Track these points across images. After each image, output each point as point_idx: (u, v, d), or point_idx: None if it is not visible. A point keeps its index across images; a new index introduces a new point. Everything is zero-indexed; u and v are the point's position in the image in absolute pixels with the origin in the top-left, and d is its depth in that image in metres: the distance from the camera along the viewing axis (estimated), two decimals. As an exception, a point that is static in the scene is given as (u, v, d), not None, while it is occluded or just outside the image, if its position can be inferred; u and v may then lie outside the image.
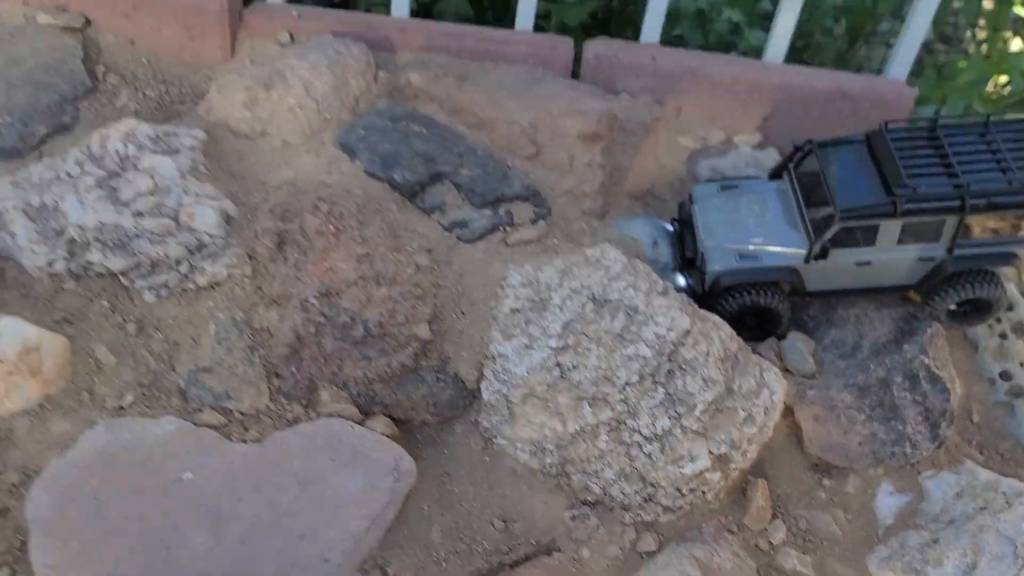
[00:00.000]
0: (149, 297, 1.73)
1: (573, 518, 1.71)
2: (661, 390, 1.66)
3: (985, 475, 1.86)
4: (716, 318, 1.76)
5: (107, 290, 1.73)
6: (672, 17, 2.46)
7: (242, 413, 1.64)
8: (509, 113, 2.02)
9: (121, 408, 1.60)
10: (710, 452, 1.65)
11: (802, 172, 1.91)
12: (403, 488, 1.62)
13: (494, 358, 1.72)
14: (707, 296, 1.88)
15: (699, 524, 1.74)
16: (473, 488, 1.73)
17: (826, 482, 1.88)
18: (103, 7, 2.19)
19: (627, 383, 1.66)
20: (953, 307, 1.93)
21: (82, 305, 1.71)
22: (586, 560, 1.67)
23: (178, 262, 1.71)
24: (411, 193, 1.88)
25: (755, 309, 1.87)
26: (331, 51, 2.05)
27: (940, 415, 1.90)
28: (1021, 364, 2.10)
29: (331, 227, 1.70)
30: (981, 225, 1.86)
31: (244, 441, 1.59)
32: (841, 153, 1.86)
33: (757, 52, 2.45)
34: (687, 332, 1.69)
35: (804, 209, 1.85)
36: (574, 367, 1.68)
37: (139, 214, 1.71)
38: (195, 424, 1.58)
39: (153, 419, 1.57)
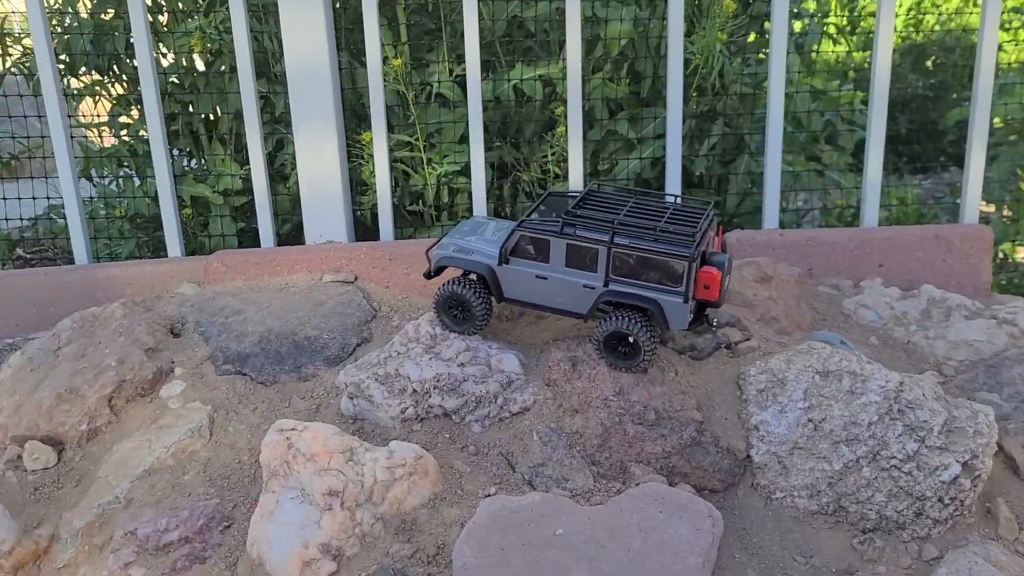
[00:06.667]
0: (476, 428, 2.20)
1: (861, 543, 2.02)
2: (899, 423, 2.07)
3: None
4: (917, 375, 2.22)
5: (444, 429, 2.21)
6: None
7: (578, 491, 2.03)
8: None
9: (489, 496, 2.00)
10: (957, 461, 2.02)
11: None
12: (719, 532, 1.97)
13: (757, 427, 2.15)
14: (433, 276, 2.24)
15: (964, 536, 2.04)
16: (768, 537, 2.06)
17: (1051, 501, 2.20)
18: (365, 264, 2.91)
19: (870, 423, 2.08)
20: (612, 343, 2.10)
21: (428, 440, 2.18)
22: (883, 574, 1.96)
23: (495, 396, 2.21)
24: (649, 330, 2.42)
25: (456, 298, 2.19)
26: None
27: (1122, 429, 2.27)
28: None
29: (609, 349, 2.23)
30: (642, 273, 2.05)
31: (590, 504, 1.97)
32: (560, 202, 2.21)
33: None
34: (901, 383, 2.14)
35: None
36: (823, 419, 2.10)
37: (462, 364, 2.24)
38: (552, 495, 1.97)
39: (519, 496, 1.97)
